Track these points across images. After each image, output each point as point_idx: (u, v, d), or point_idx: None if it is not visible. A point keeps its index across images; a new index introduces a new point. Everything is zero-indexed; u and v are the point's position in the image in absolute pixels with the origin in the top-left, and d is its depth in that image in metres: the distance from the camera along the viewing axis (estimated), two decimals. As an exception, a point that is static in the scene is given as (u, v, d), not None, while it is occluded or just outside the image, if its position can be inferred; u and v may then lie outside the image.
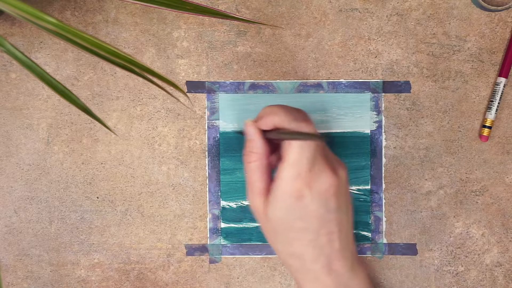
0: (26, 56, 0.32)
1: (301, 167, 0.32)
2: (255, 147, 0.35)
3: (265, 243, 0.44)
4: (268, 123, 0.34)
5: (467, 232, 0.44)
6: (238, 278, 0.44)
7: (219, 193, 0.44)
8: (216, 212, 0.44)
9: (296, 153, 0.32)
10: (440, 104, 0.44)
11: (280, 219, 0.34)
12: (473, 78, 0.44)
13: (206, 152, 0.44)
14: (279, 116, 0.34)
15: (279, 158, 0.37)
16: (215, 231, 0.44)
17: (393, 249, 0.44)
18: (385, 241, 0.44)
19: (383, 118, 0.44)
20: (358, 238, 0.44)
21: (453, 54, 0.44)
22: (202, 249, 0.44)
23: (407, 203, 0.44)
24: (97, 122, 0.38)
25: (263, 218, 0.35)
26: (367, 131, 0.44)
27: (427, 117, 0.44)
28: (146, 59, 0.44)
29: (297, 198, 0.33)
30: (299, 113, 0.35)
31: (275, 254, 0.44)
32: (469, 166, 0.44)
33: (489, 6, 0.43)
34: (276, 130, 0.34)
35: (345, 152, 0.44)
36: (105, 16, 0.44)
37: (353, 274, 0.35)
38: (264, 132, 0.35)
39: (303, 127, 0.33)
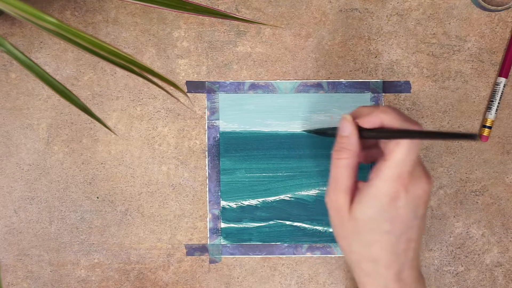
0: (26, 56, 0.32)
1: (404, 168, 0.32)
2: (350, 144, 0.34)
3: (265, 243, 0.44)
4: (375, 121, 0.34)
5: (467, 232, 0.44)
6: (238, 278, 0.44)
7: (219, 193, 0.44)
8: (216, 212, 0.44)
9: (403, 153, 0.32)
10: (440, 104, 0.44)
11: (369, 219, 0.33)
12: (473, 78, 0.44)
13: (206, 152, 0.44)
14: (389, 114, 0.33)
15: (364, 158, 0.37)
16: (215, 231, 0.44)
17: (393, 249, 0.44)
18: (385, 241, 0.44)
19: (383, 118, 0.44)
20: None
21: (453, 54, 0.44)
22: (202, 249, 0.44)
23: (407, 203, 0.44)
24: (97, 122, 0.38)
25: (345, 216, 0.34)
26: (367, 131, 0.44)
27: (427, 117, 0.44)
28: (146, 59, 0.44)
29: (392, 199, 0.32)
30: (405, 114, 0.34)
31: (275, 254, 0.44)
32: (469, 166, 0.44)
33: (489, 6, 0.43)
34: (379, 129, 0.34)
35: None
36: (105, 16, 0.44)
37: (419, 286, 0.34)
38: (360, 131, 0.35)
39: (414, 127, 0.33)
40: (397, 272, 0.33)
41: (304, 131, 0.44)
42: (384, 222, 0.33)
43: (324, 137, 0.43)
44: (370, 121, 0.34)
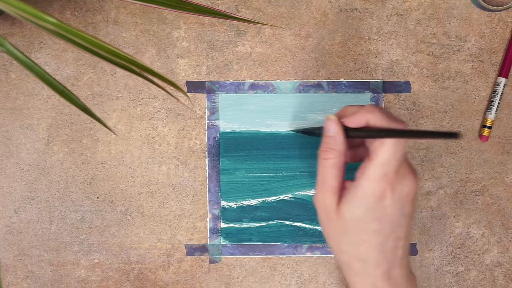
0: (26, 56, 0.32)
1: (389, 167, 0.32)
2: (336, 144, 0.34)
3: (265, 243, 0.44)
4: (360, 120, 0.34)
5: (467, 232, 0.44)
6: (238, 278, 0.44)
7: (219, 193, 0.44)
8: (216, 212, 0.44)
9: (388, 152, 0.32)
10: (440, 104, 0.44)
11: (356, 219, 0.33)
12: (473, 78, 0.44)
13: (206, 152, 0.44)
14: (374, 113, 0.33)
15: (352, 157, 0.37)
16: (215, 231, 0.44)
17: (393, 249, 0.44)
18: (385, 241, 0.44)
19: (383, 118, 0.44)
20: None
21: (453, 54, 0.44)
22: (202, 249, 0.44)
23: (407, 203, 0.44)
24: (97, 122, 0.38)
25: (333, 216, 0.34)
26: (367, 131, 0.44)
27: (427, 117, 0.44)
28: (146, 59, 0.44)
29: (379, 198, 0.32)
30: (391, 113, 0.34)
31: (275, 254, 0.44)
32: (469, 166, 0.44)
33: (489, 6, 0.43)
34: (365, 128, 0.34)
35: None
36: (105, 16, 0.44)
37: (409, 285, 0.34)
38: (346, 130, 0.35)
39: (400, 127, 0.33)
40: (386, 271, 0.33)
41: (292, 130, 0.44)
42: (372, 222, 0.33)
43: (312, 136, 0.43)
44: (356, 121, 0.34)
